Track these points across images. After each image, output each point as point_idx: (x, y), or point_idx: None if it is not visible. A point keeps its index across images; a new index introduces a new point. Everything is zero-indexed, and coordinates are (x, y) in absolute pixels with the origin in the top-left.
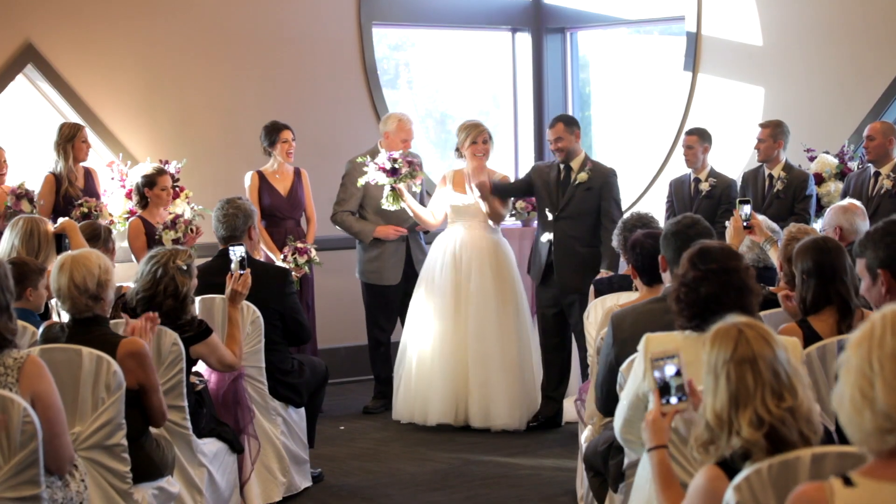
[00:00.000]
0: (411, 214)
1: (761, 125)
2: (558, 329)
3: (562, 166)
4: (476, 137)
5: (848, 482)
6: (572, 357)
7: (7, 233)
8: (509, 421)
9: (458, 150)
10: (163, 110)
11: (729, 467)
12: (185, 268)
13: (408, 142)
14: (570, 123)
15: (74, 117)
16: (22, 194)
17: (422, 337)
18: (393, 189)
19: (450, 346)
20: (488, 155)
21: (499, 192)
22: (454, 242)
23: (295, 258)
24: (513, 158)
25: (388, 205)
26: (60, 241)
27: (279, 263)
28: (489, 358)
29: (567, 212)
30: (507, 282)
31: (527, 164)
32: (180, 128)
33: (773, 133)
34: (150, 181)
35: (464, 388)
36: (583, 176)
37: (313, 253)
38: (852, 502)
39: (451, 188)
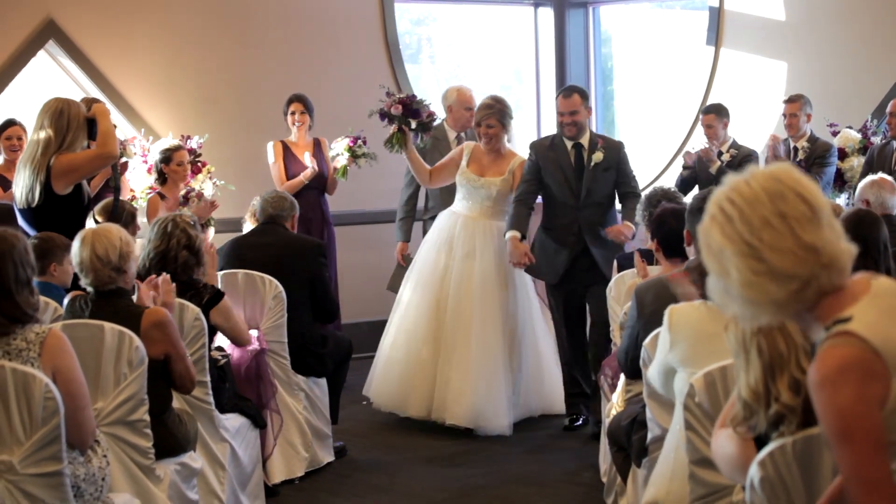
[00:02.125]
0: (407, 163)
1: (787, 101)
2: (580, 327)
3: (570, 145)
4: (480, 120)
5: (845, 321)
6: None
7: (38, 116)
8: (495, 424)
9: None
10: (184, 86)
11: (761, 442)
12: (192, 222)
13: (472, 110)
14: (585, 96)
15: (96, 93)
16: None
17: (406, 320)
18: (401, 131)
19: (430, 334)
20: (495, 140)
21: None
22: (454, 224)
23: (359, 147)
24: (535, 134)
25: (388, 147)
26: (92, 127)
27: (335, 153)
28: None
29: (590, 199)
30: (507, 268)
31: None
32: (202, 103)
33: (802, 107)
34: (166, 157)
35: (443, 382)
36: (598, 156)
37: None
38: (866, 324)
39: (466, 164)
